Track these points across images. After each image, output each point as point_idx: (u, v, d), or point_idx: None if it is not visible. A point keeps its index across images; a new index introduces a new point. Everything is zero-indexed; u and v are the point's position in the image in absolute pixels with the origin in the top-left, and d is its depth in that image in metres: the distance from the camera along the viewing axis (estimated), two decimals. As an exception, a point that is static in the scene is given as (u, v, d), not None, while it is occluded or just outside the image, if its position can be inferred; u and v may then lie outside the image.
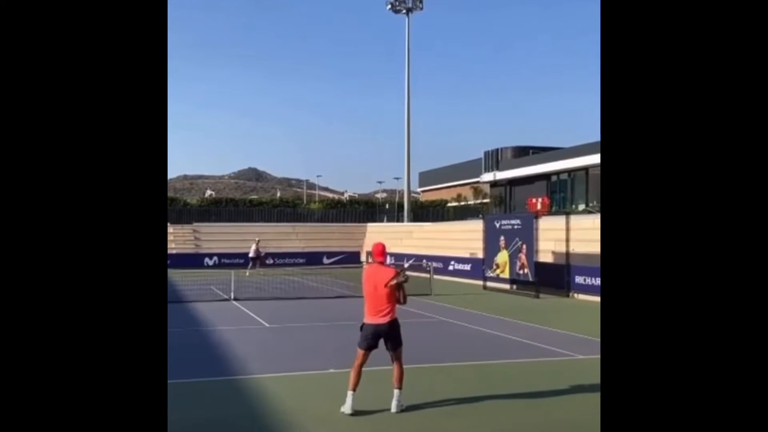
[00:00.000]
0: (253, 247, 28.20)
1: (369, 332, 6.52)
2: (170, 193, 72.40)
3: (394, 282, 6.46)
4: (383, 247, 6.83)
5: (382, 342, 6.60)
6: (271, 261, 33.21)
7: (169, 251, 32.67)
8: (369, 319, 6.55)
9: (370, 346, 6.55)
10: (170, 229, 36.02)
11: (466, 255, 25.33)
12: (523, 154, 40.76)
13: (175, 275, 25.70)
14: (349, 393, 6.47)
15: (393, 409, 6.52)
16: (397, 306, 6.63)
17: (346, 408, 6.43)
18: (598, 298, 17.59)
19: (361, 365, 6.56)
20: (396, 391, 6.58)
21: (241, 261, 29.35)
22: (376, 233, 38.82)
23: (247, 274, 26.05)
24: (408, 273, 6.91)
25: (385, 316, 6.48)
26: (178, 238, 35.82)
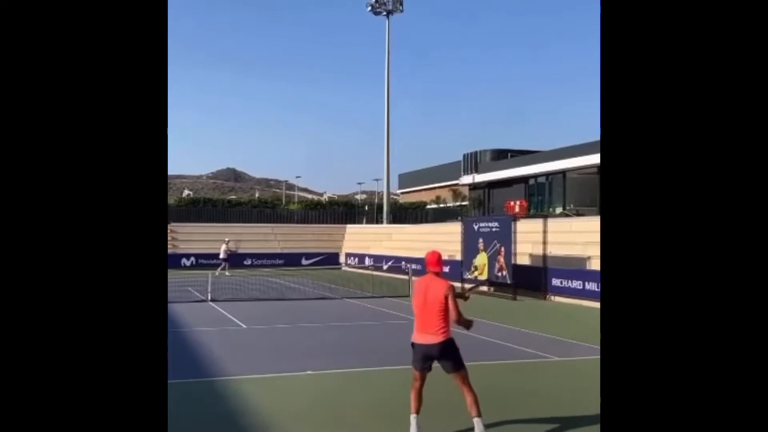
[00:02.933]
0: (223, 247, 28.23)
1: (419, 353, 5.79)
2: (147, 193, 71.22)
3: (468, 294, 6.07)
4: (439, 256, 5.95)
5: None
6: (249, 262, 33.04)
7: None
8: (418, 338, 5.80)
9: (423, 367, 5.82)
10: (147, 229, 35.53)
11: (445, 257, 25.40)
12: (502, 157, 41.07)
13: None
14: (413, 417, 5.80)
15: None
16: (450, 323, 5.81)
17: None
18: (574, 301, 17.80)
19: (420, 387, 5.82)
20: (475, 420, 5.69)
21: (219, 262, 29.15)
22: (356, 235, 38.81)
23: (227, 273, 26.08)
24: (469, 293, 6.32)
25: (436, 335, 5.70)
26: (155, 239, 35.43)
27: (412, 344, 5.85)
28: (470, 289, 5.94)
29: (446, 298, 5.67)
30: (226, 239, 29.20)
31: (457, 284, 21.95)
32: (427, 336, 5.72)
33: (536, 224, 20.74)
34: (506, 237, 19.49)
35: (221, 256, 28.13)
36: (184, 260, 32.87)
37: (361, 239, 37.05)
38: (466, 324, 5.88)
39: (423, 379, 5.82)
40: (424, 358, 5.79)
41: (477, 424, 5.66)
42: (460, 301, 5.86)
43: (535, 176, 35.80)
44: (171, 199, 51.84)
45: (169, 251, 33.87)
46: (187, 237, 36.00)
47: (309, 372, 8.59)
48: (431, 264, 5.87)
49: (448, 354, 5.75)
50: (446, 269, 24.78)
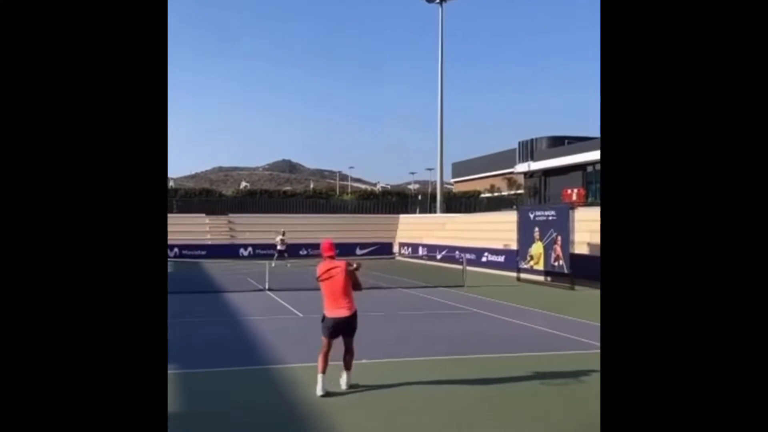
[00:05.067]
0: (279, 238, 28.31)
1: (330, 324, 6.95)
2: (206, 185, 73.84)
3: (352, 267, 6.98)
4: (330, 243, 7.24)
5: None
6: (305, 252, 33.48)
7: (204, 242, 33.33)
8: (330, 313, 6.94)
9: (333, 335, 7.00)
10: (206, 220, 36.66)
11: (500, 246, 25.13)
12: (559, 144, 40.23)
13: (211, 266, 26.12)
14: (320, 376, 6.85)
15: (343, 386, 7.05)
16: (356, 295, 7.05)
17: (318, 390, 6.78)
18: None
19: (328, 352, 6.98)
20: (345, 372, 7.11)
21: (274, 252, 29.36)
22: (409, 224, 38.79)
23: (272, 264, 25.29)
24: (359, 261, 7.34)
25: (345, 309, 6.90)
26: (214, 230, 36.37)
27: (324, 318, 6.97)
28: (356, 266, 7.17)
29: (346, 273, 6.88)
30: (282, 231, 29.44)
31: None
32: (338, 311, 6.89)
33: (595, 212, 20.21)
34: (563, 226, 19.08)
35: (278, 247, 28.20)
36: (241, 250, 33.60)
37: (414, 229, 37.01)
38: (360, 286, 7.18)
39: (331, 346, 6.99)
40: (335, 328, 6.93)
41: (347, 375, 7.12)
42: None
43: (593, 163, 34.90)
44: (229, 191, 53.10)
45: (227, 242, 34.76)
46: (244, 228, 36.77)
47: (364, 360, 8.63)
48: (326, 250, 7.11)
49: (353, 324, 7.00)
50: (501, 259, 24.52)
